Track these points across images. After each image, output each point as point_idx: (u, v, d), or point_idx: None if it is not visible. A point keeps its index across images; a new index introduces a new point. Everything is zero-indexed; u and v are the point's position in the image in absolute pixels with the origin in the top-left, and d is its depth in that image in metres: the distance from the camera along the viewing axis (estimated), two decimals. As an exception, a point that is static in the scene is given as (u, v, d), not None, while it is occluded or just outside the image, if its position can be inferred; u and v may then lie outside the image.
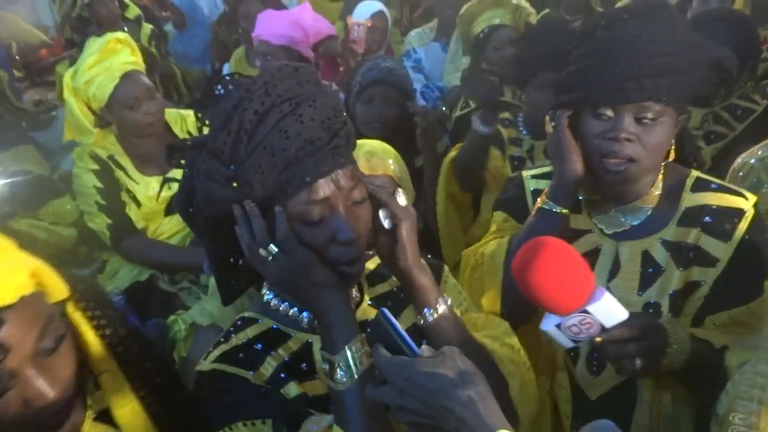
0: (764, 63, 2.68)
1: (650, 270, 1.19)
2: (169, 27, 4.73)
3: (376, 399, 0.79)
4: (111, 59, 2.05)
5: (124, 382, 0.95)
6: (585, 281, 0.92)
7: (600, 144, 1.12)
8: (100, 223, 2.16)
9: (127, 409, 0.94)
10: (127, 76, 2.07)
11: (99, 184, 2.14)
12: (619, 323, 0.94)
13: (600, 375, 1.25)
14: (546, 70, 1.92)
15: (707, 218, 1.17)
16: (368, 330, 0.87)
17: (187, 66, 4.49)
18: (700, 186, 1.21)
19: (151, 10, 4.64)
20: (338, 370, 0.85)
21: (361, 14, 3.21)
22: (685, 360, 1.03)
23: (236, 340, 0.96)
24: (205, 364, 0.94)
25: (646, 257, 1.20)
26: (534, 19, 2.72)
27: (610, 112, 1.11)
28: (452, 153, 2.09)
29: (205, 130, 2.48)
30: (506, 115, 2.16)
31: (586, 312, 0.91)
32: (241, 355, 0.94)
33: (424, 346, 0.80)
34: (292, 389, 0.93)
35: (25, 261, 0.81)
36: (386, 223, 0.94)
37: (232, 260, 0.95)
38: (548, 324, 0.96)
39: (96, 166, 2.15)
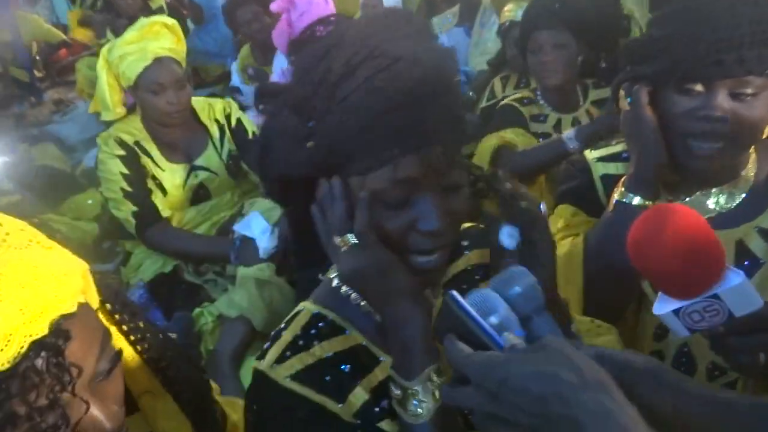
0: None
1: (746, 263, 1.04)
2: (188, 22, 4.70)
3: (457, 403, 0.63)
4: (149, 41, 2.04)
5: (172, 402, 0.83)
6: (718, 259, 0.78)
7: (688, 124, 0.98)
8: (125, 210, 2.12)
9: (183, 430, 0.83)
10: (159, 61, 2.05)
11: (125, 170, 2.10)
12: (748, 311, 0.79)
13: None
14: (538, 29, 1.90)
15: None
16: (436, 319, 0.72)
17: (205, 61, 4.46)
18: None
19: (176, 7, 4.63)
20: (412, 399, 0.71)
21: None
22: None
23: (320, 350, 0.79)
24: (280, 374, 0.77)
25: (741, 248, 1.06)
26: None
27: (700, 87, 0.96)
28: (492, 141, 1.99)
29: (233, 117, 2.42)
30: (525, 93, 2.09)
31: (716, 297, 0.77)
32: (328, 377, 0.77)
33: (509, 335, 0.63)
34: (389, 427, 0.77)
35: (77, 261, 0.69)
36: (508, 242, 0.78)
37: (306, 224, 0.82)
38: (665, 308, 0.80)
39: (122, 152, 2.12)
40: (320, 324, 0.81)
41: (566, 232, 1.18)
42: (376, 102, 0.69)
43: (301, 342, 0.80)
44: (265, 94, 0.80)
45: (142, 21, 2.06)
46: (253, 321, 1.89)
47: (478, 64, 3.02)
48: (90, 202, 2.84)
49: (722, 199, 1.08)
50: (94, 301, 0.71)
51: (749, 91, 0.95)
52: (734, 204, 1.07)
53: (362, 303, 0.81)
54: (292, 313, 0.85)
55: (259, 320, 1.89)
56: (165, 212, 2.16)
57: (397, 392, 0.73)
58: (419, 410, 0.71)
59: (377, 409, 0.78)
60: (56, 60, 4.76)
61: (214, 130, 2.25)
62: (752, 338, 0.81)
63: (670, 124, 1.02)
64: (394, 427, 0.77)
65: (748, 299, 0.78)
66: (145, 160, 2.15)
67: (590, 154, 1.24)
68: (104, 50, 2.11)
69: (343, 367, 0.78)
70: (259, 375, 0.79)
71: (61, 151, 3.53)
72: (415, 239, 0.73)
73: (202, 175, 2.21)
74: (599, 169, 1.20)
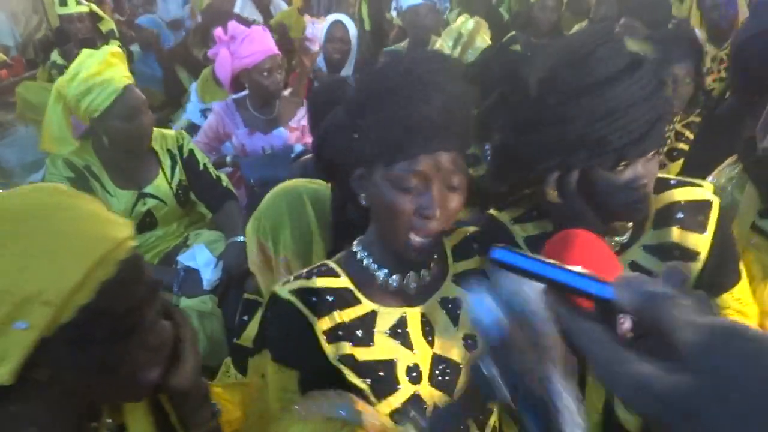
0: (721, 82, 2.79)
1: None
2: (135, 47, 4.67)
3: None
4: (111, 71, 2.06)
5: None
6: (616, 272, 0.90)
7: (625, 195, 1.09)
8: (68, 233, 2.09)
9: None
10: (128, 89, 2.08)
11: None
12: None
13: None
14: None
15: (679, 214, 1.18)
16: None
17: (151, 87, 4.44)
18: (660, 186, 1.21)
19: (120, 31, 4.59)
20: None
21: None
22: None
23: (318, 281, 1.02)
24: (283, 291, 1.01)
25: (636, 267, 1.18)
26: None
27: (624, 161, 1.08)
28: None
29: (185, 148, 2.45)
30: None
31: None
32: (314, 299, 1.00)
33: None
34: (345, 348, 0.98)
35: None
36: None
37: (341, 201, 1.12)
38: None
39: (71, 174, 2.11)
40: (323, 267, 1.06)
41: None
42: (408, 116, 0.92)
43: (304, 274, 1.05)
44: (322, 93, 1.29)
45: (97, 54, 2.07)
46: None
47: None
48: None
49: (620, 234, 1.20)
50: None
51: (651, 154, 1.09)
52: (627, 234, 1.20)
53: (371, 268, 1.04)
54: None
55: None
56: (110, 238, 2.15)
57: None
58: None
59: (341, 332, 0.99)
60: (-4, 80, 4.63)
61: (166, 160, 2.27)
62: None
63: (608, 197, 1.10)
64: (348, 351, 0.98)
65: None
66: (93, 184, 2.14)
67: (502, 216, 1.26)
68: (58, 86, 2.08)
69: (328, 297, 1.01)
70: (270, 293, 1.05)
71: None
72: (416, 221, 0.94)
73: (151, 202, 2.21)
74: (519, 232, 1.23)
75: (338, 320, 0.99)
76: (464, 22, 2.45)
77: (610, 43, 1.07)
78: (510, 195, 1.29)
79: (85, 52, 2.09)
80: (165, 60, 4.23)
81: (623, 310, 0.47)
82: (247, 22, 3.03)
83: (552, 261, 0.51)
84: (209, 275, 2.05)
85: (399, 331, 1.01)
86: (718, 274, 1.18)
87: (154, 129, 2.23)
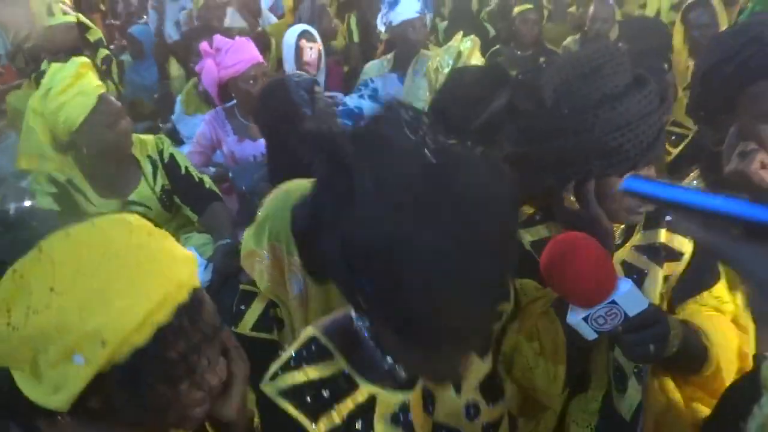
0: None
1: (635, 276, 1.24)
2: (126, 56, 4.72)
3: None
4: (82, 82, 2.06)
5: None
6: (612, 273, 0.97)
7: (631, 199, 1.14)
8: (55, 249, 2.10)
9: None
10: (102, 98, 2.08)
11: (57, 208, 2.09)
12: (638, 311, 0.98)
13: (626, 391, 1.24)
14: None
15: (668, 217, 1.26)
16: None
17: (142, 95, 4.48)
18: None
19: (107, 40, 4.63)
20: None
21: (291, 35, 3.41)
22: (678, 345, 1.07)
23: (310, 372, 0.91)
24: (272, 390, 0.90)
25: (627, 266, 1.25)
26: None
27: (635, 168, 1.13)
28: None
29: (166, 153, 2.43)
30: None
31: (613, 303, 0.96)
32: (308, 398, 0.89)
33: None
34: None
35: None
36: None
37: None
38: (575, 317, 0.98)
39: (54, 189, 2.12)
40: (313, 346, 0.93)
41: (542, 308, 1.20)
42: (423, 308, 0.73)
43: (293, 359, 0.93)
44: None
45: (67, 67, 2.05)
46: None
47: (409, 110, 3.19)
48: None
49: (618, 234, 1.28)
50: None
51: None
52: (622, 237, 1.28)
53: (376, 351, 0.91)
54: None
55: (190, 353, 1.93)
56: (98, 249, 2.16)
57: None
58: None
59: None
60: (-13, 88, 4.62)
61: (147, 166, 2.28)
62: (643, 333, 1.01)
63: (617, 203, 1.15)
64: None
65: (637, 301, 0.97)
66: (78, 197, 2.14)
67: None
68: (33, 103, 2.07)
69: (323, 391, 0.90)
70: (260, 390, 0.93)
71: (-11, 182, 3.43)
72: None
73: (136, 210, 2.21)
74: (526, 237, 1.26)
75: (337, 419, 0.90)
76: (463, 41, 2.50)
77: (617, 60, 1.11)
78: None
79: (54, 66, 2.07)
80: (160, 55, 4.26)
81: None
82: (231, 34, 3.08)
83: (692, 187, 0.47)
84: (200, 277, 2.07)
85: (400, 418, 0.94)
86: (698, 275, 1.26)
87: (133, 135, 2.24)
